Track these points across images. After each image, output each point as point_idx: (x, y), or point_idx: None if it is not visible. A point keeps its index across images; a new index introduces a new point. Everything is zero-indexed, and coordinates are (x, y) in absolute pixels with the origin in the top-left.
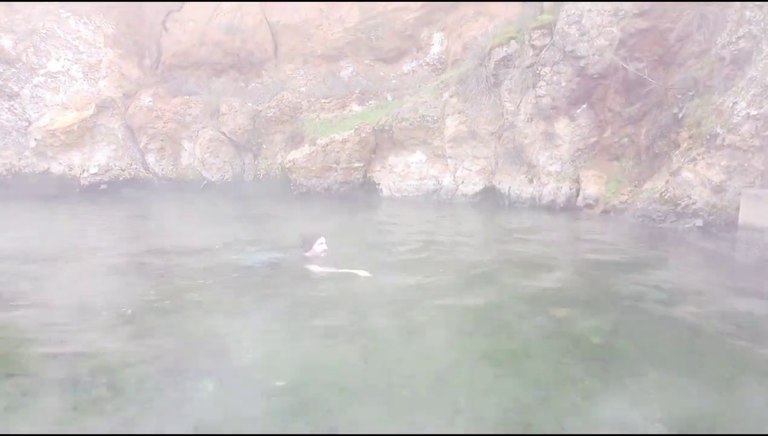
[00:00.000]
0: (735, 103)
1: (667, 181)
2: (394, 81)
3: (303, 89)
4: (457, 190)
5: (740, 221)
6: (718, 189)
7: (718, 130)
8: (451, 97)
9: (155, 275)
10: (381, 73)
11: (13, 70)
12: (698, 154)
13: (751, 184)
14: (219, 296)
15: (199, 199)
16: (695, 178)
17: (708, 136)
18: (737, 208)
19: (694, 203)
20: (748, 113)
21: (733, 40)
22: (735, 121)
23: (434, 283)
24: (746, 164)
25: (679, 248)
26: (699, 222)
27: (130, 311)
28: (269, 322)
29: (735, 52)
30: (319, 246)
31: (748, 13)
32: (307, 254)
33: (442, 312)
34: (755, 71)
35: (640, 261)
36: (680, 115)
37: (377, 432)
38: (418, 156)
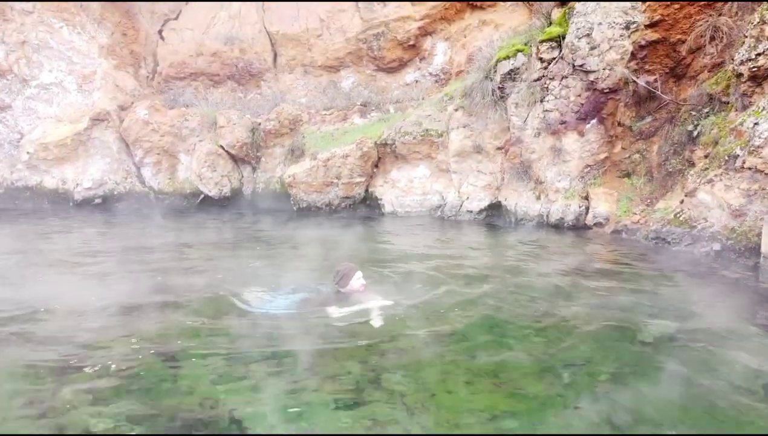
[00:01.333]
0: (756, 124)
1: (681, 202)
2: (396, 91)
3: (303, 100)
4: (461, 206)
5: (763, 249)
6: (738, 213)
7: (738, 151)
8: (455, 110)
9: (147, 324)
10: (383, 84)
11: (5, 81)
12: (716, 176)
13: None
14: (219, 367)
15: (197, 216)
16: (712, 200)
17: (726, 158)
18: (758, 235)
19: (711, 226)
20: None
21: (753, 56)
22: (756, 143)
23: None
24: (767, 188)
25: (698, 280)
26: (717, 246)
27: (113, 366)
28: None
29: (754, 69)
30: (357, 281)
31: (767, 29)
32: (343, 290)
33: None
34: None
35: (655, 297)
36: (695, 133)
37: None
38: (421, 170)
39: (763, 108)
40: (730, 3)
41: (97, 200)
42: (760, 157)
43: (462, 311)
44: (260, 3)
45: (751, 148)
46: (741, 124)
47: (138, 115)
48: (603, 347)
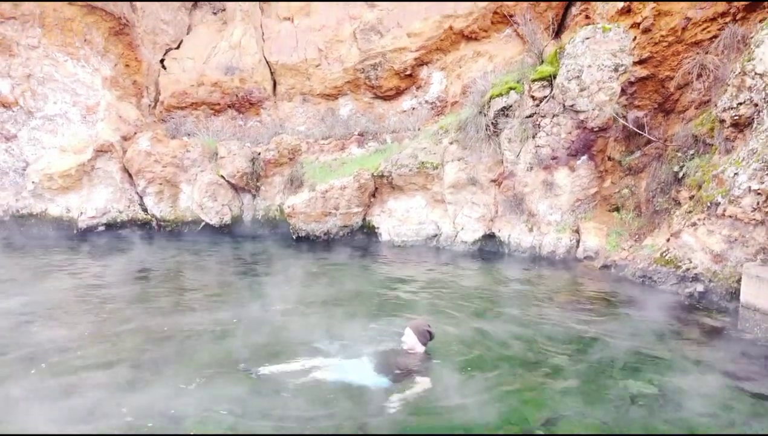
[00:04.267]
0: (736, 174)
1: (668, 240)
2: (393, 118)
3: (302, 128)
4: (456, 236)
5: (742, 299)
6: (719, 258)
7: (719, 199)
8: (450, 143)
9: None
10: (380, 111)
11: (11, 112)
12: (699, 220)
13: (753, 257)
14: None
15: (199, 244)
16: (696, 242)
17: (709, 204)
18: (738, 280)
19: (695, 268)
20: (750, 187)
21: (734, 105)
22: (736, 193)
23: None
24: (747, 236)
25: (680, 328)
26: (700, 287)
27: None
28: None
29: (735, 117)
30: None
31: (749, 80)
32: (418, 351)
33: None
34: (756, 143)
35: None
36: (680, 175)
37: None
38: (417, 201)
39: (743, 159)
40: (716, 42)
41: (101, 228)
42: (740, 207)
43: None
44: (260, 33)
45: (731, 198)
46: (722, 172)
47: (140, 146)
48: (569, 392)
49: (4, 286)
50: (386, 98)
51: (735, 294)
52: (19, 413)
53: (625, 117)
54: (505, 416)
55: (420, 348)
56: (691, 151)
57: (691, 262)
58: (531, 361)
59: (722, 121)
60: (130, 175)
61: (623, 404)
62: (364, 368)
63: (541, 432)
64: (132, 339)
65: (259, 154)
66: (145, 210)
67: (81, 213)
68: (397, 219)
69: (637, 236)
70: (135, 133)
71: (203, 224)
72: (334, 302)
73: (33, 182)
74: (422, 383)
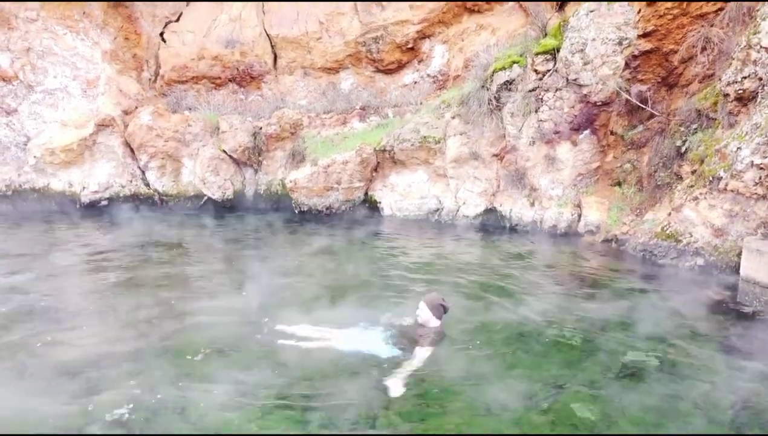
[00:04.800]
0: (739, 148)
1: (669, 214)
2: (395, 92)
3: (303, 102)
4: (458, 211)
5: (741, 272)
6: (720, 232)
7: (722, 173)
8: (452, 118)
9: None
10: (382, 85)
11: (11, 87)
12: (700, 194)
13: (754, 231)
14: None
15: (202, 219)
16: (697, 217)
17: (711, 178)
18: (739, 254)
19: (695, 242)
20: (752, 162)
21: (738, 79)
22: (738, 167)
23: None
24: (749, 211)
25: (679, 300)
26: (700, 261)
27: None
28: None
29: (739, 91)
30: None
31: (754, 54)
32: (433, 324)
33: None
34: (760, 117)
35: (633, 317)
36: (683, 149)
37: None
38: (419, 175)
39: (746, 133)
40: (721, 15)
41: (104, 203)
42: (742, 182)
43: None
44: (260, 6)
45: (734, 172)
46: (725, 146)
47: (142, 120)
48: (572, 365)
49: (8, 261)
50: (388, 72)
51: (735, 268)
52: (27, 387)
53: (628, 91)
54: (509, 390)
55: (434, 322)
56: (694, 126)
57: (691, 236)
58: (533, 335)
59: (726, 95)
60: (131, 150)
61: (622, 375)
62: (376, 339)
63: (545, 405)
64: (138, 312)
65: (261, 128)
66: (147, 185)
67: (83, 188)
68: (399, 193)
69: (638, 211)
70: (136, 108)
71: (206, 198)
72: (339, 276)
73: (35, 157)
74: (421, 354)
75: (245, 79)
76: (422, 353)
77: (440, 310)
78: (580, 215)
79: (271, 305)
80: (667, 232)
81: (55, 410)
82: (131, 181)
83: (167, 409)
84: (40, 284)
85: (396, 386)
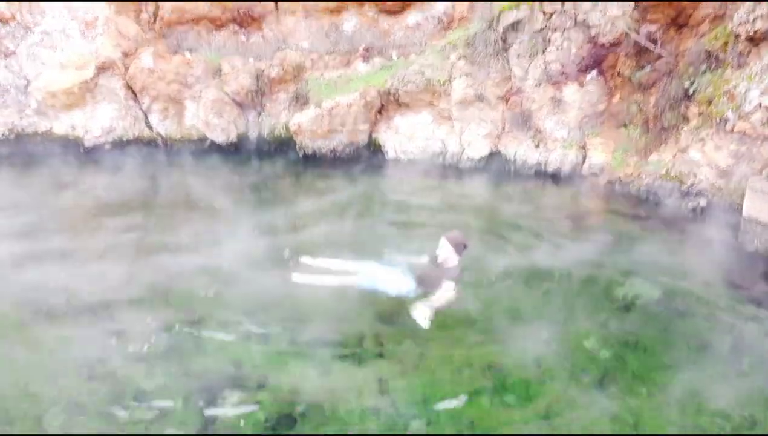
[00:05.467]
0: (748, 90)
1: (674, 156)
2: (399, 34)
3: (305, 44)
4: (463, 153)
5: (744, 212)
6: (724, 173)
7: (729, 115)
8: (458, 59)
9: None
10: (385, 26)
11: (8, 28)
12: (707, 135)
13: (758, 172)
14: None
15: (207, 161)
16: (702, 158)
17: (718, 120)
18: (742, 195)
19: (700, 183)
20: (761, 103)
21: (750, 19)
22: (746, 109)
23: None
24: (755, 151)
25: (682, 238)
26: (703, 202)
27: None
28: None
29: (751, 32)
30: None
31: None
32: (452, 262)
33: None
34: None
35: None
36: (691, 91)
37: None
38: (424, 118)
39: (756, 74)
40: None
41: (107, 146)
42: (749, 123)
43: None
44: None
45: (742, 113)
46: (734, 87)
47: (143, 62)
48: (576, 303)
49: (11, 204)
50: (391, 13)
51: (738, 209)
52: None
53: (637, 31)
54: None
55: (454, 259)
56: (703, 67)
57: (696, 177)
58: (538, 273)
59: (737, 35)
60: (133, 93)
61: (625, 306)
62: (396, 275)
63: (555, 344)
64: (148, 252)
65: (263, 70)
66: (150, 128)
67: (86, 131)
68: (404, 136)
69: (643, 153)
70: (136, 50)
71: (209, 141)
72: (346, 220)
73: (36, 100)
74: (446, 288)
75: (246, 20)
76: (446, 288)
77: (461, 248)
78: (584, 157)
79: (284, 244)
80: (672, 173)
81: (80, 348)
82: (134, 125)
83: (184, 343)
84: (49, 227)
85: (423, 316)
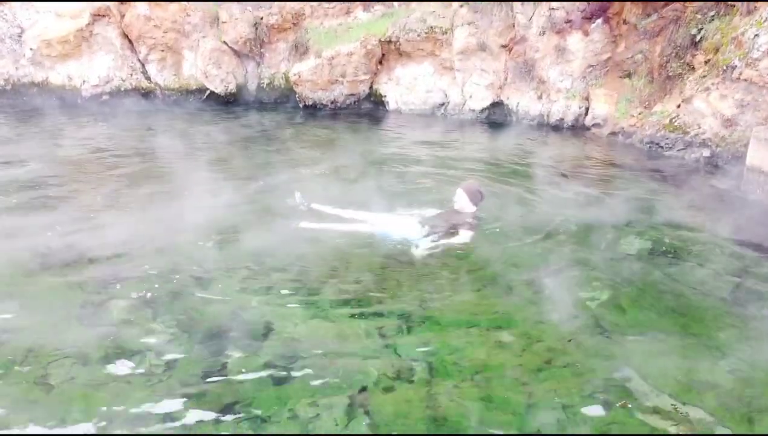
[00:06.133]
0: (756, 36)
1: (678, 106)
2: None
3: None
4: (464, 105)
5: (748, 162)
6: (729, 123)
7: (736, 62)
8: (460, 6)
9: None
10: None
11: None
12: (712, 84)
13: (764, 121)
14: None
15: (207, 113)
16: (707, 108)
17: (725, 67)
18: (746, 145)
19: (703, 133)
20: None
21: None
22: (754, 55)
23: None
24: (760, 100)
25: (685, 188)
26: (707, 152)
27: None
28: None
29: None
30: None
31: None
32: (469, 211)
33: None
34: None
35: (640, 204)
36: (698, 38)
37: None
38: (425, 68)
39: (765, 19)
40: None
41: (105, 97)
42: (756, 70)
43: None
44: None
45: (749, 61)
46: (742, 34)
47: (138, 9)
48: (581, 251)
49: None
50: None
51: (741, 158)
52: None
53: None
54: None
55: (471, 208)
56: (711, 14)
57: (700, 127)
58: (541, 228)
59: None
60: (130, 42)
61: (628, 258)
62: (411, 223)
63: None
64: (148, 202)
65: (262, 18)
66: (148, 78)
67: (83, 81)
68: (405, 87)
69: (647, 103)
70: None
71: (208, 92)
72: (351, 173)
73: (31, 49)
74: (463, 236)
75: None
76: (465, 234)
77: (478, 196)
78: (587, 109)
79: (289, 193)
80: (675, 123)
81: (83, 294)
82: (132, 75)
83: (189, 288)
84: (49, 175)
85: (420, 253)
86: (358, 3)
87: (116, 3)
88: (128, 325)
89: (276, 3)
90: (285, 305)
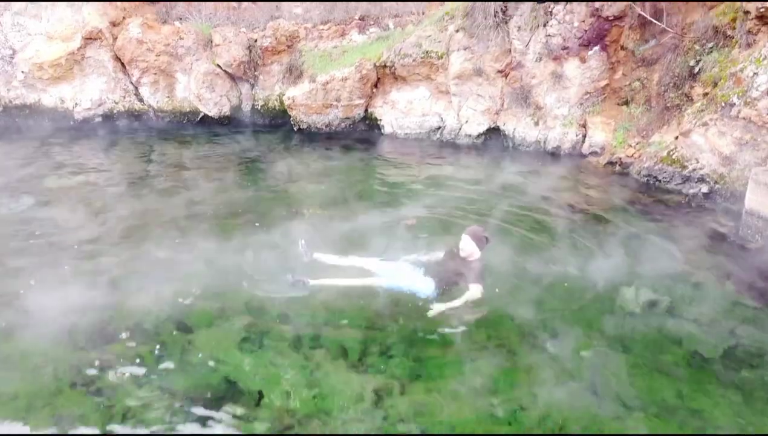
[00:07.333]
0: (756, 74)
1: (676, 138)
2: None
3: (298, 11)
4: (460, 129)
5: (746, 205)
6: (728, 161)
7: (735, 100)
8: (456, 31)
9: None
10: None
11: None
12: (711, 120)
13: (762, 161)
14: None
15: (200, 137)
16: (705, 143)
17: (723, 104)
18: (745, 184)
19: (701, 168)
20: None
21: None
22: (753, 95)
23: None
24: (759, 140)
25: (683, 230)
26: (705, 188)
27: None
28: None
29: (762, 9)
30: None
31: None
32: (475, 257)
33: None
34: None
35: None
36: (696, 69)
37: None
38: (421, 92)
39: (765, 57)
40: None
41: (98, 119)
42: (755, 110)
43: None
44: None
45: (748, 100)
46: (741, 70)
47: (131, 33)
48: (580, 306)
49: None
50: None
51: (740, 197)
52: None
53: (642, 2)
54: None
55: (477, 254)
56: (710, 45)
57: (698, 162)
58: (537, 280)
59: (746, 12)
60: (122, 65)
61: (625, 316)
62: (415, 274)
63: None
64: (144, 241)
65: (256, 41)
66: (141, 100)
67: (76, 104)
68: (400, 111)
69: (644, 132)
70: (123, 18)
71: (202, 114)
72: (350, 204)
73: (22, 72)
74: (474, 291)
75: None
76: (475, 289)
77: (483, 242)
78: (584, 136)
79: (279, 229)
80: (673, 157)
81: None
82: (124, 97)
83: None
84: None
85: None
86: (353, 25)
87: (109, 26)
88: (116, 391)
89: (271, 24)
90: (279, 366)
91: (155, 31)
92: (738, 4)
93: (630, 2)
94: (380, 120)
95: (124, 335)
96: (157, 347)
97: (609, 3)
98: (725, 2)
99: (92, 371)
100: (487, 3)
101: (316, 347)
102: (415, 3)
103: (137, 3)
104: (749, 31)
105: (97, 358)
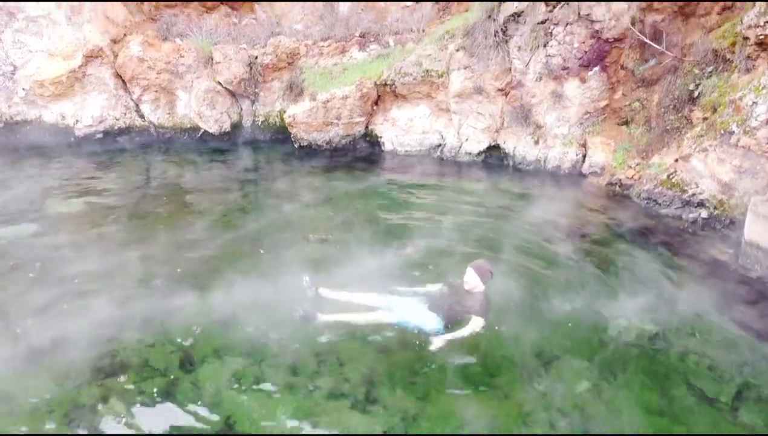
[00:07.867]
0: (755, 103)
1: (676, 161)
2: (396, 15)
3: (299, 27)
4: (461, 147)
5: (746, 235)
6: (727, 188)
7: (734, 128)
8: (456, 50)
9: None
10: (381, 5)
11: None
12: (710, 146)
13: (762, 190)
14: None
15: (201, 154)
16: (705, 169)
17: (723, 131)
18: (744, 212)
19: (701, 193)
20: (767, 119)
21: (761, 23)
22: (752, 124)
23: None
24: (758, 168)
25: (682, 259)
26: (704, 213)
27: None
28: None
29: (761, 36)
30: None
31: None
32: (479, 290)
33: None
34: None
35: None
36: (696, 93)
37: None
38: (421, 110)
39: (764, 86)
40: None
41: (99, 136)
42: (755, 139)
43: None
44: None
45: (747, 129)
46: (740, 98)
47: (132, 51)
48: (575, 340)
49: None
50: None
51: (739, 224)
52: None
53: (642, 21)
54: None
55: (481, 287)
56: (709, 69)
57: (697, 187)
58: (538, 315)
59: (746, 38)
60: (123, 82)
61: (619, 340)
62: (421, 309)
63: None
64: (148, 268)
65: (256, 58)
66: (142, 117)
67: (77, 121)
68: (401, 128)
69: (644, 153)
70: (124, 36)
71: (202, 131)
72: (352, 228)
73: (23, 89)
74: (476, 323)
75: (237, 1)
76: (477, 322)
77: (488, 275)
78: (584, 155)
79: (294, 267)
80: (673, 180)
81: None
82: (125, 114)
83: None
84: (46, 234)
85: (437, 347)
86: (354, 42)
87: (110, 44)
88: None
89: (271, 41)
90: (279, 405)
91: (156, 49)
92: (737, 30)
93: (631, 26)
94: (381, 137)
95: (123, 375)
96: (157, 386)
97: (610, 25)
98: (724, 25)
99: (92, 408)
100: (487, 23)
101: (315, 388)
102: (416, 18)
103: (138, 20)
104: (749, 57)
105: (97, 394)
